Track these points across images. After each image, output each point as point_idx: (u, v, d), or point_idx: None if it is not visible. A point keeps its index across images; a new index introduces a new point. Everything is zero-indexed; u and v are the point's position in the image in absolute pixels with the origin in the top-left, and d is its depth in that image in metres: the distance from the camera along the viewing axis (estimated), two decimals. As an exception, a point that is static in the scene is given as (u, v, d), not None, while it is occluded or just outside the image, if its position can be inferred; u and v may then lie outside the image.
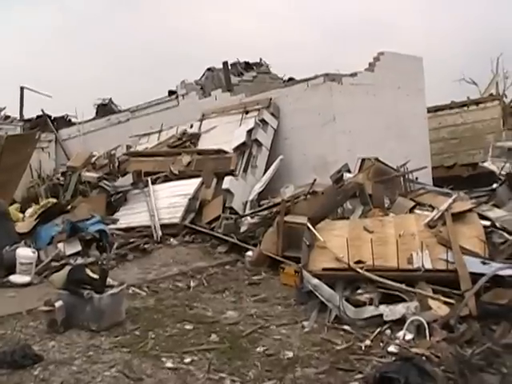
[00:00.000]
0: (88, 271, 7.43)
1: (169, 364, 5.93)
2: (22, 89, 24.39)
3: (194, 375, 5.65)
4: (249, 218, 11.95)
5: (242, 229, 11.59)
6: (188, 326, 7.06)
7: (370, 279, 7.50)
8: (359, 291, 7.49)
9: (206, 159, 14.54)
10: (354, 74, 14.82)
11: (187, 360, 6.02)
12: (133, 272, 9.72)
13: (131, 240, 11.35)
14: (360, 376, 5.48)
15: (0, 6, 49.31)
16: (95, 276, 7.32)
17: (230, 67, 18.85)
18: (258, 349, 6.29)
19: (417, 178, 12.67)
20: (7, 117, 24.01)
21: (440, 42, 38.53)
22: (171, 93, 19.29)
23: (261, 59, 21.76)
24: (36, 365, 5.98)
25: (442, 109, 20.46)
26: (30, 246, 10.12)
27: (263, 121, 14.56)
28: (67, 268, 7.87)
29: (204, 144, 15.81)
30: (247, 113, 15.22)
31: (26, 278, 9.28)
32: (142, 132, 18.80)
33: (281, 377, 5.54)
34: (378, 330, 6.64)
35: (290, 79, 19.54)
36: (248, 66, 21.00)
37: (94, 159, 17.71)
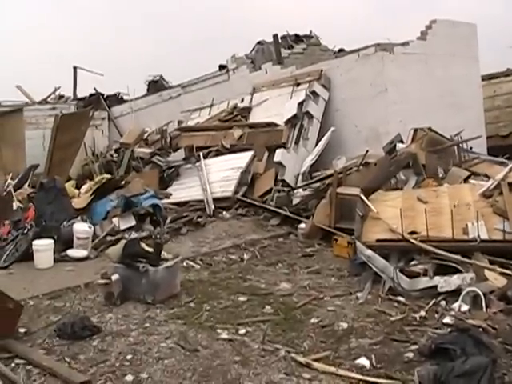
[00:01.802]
0: (143, 245, 7.54)
1: (224, 335, 5.99)
2: (74, 68, 24.69)
3: (249, 346, 5.69)
4: (301, 190, 11.89)
5: (295, 201, 11.55)
6: (242, 298, 7.11)
7: (424, 250, 7.42)
8: (413, 262, 7.42)
9: (258, 132, 14.50)
10: (405, 44, 14.46)
11: (242, 331, 6.07)
12: (187, 245, 9.82)
13: (184, 214, 11.44)
14: (415, 347, 5.44)
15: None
16: (150, 249, 7.42)
17: (280, 40, 18.65)
18: (312, 320, 6.31)
19: (471, 148, 12.39)
20: (61, 96, 24.39)
21: (494, 7, 37.18)
22: (222, 67, 19.24)
23: (311, 31, 21.43)
24: (94, 336, 6.14)
25: (497, 76, 19.74)
26: (86, 221, 10.33)
27: (314, 93, 14.39)
28: (122, 242, 8.00)
29: (255, 117, 15.74)
30: (298, 85, 15.06)
31: (83, 253, 9.49)
32: (193, 107, 18.82)
33: (335, 347, 5.54)
34: (433, 301, 6.58)
35: (341, 50, 19.19)
36: (298, 39, 20.70)
37: (146, 135, 17.86)
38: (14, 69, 34.20)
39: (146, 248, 7.46)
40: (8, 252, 9.66)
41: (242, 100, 16.76)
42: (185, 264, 8.44)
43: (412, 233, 7.71)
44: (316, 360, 5.26)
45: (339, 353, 5.43)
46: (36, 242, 9.32)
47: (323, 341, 5.73)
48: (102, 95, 23.63)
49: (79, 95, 24.43)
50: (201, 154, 14.27)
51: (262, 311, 6.65)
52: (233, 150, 14.30)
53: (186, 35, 42.33)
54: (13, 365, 5.58)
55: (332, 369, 5.07)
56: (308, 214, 10.83)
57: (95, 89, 23.85)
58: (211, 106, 18.06)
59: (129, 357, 5.61)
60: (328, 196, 10.19)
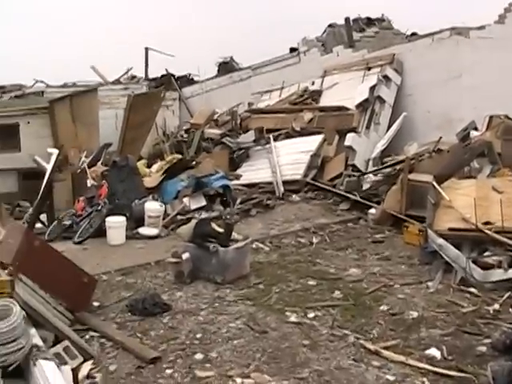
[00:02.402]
0: (213, 225, 7.58)
1: (292, 318, 5.99)
2: (146, 49, 25.07)
3: (318, 330, 5.68)
4: (371, 175, 11.73)
5: (365, 186, 11.39)
6: (311, 282, 7.08)
7: (498, 241, 7.19)
8: (487, 253, 7.21)
9: (328, 116, 14.36)
10: (481, 27, 13.97)
11: (311, 315, 6.06)
12: (256, 227, 9.84)
13: (254, 196, 11.48)
14: (488, 341, 5.29)
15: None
16: (220, 230, 7.45)
17: (351, 23, 18.39)
18: (381, 307, 6.23)
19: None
20: (133, 77, 24.80)
21: None
22: (292, 50, 19.14)
23: (382, 15, 21.08)
24: (165, 313, 6.27)
25: None
26: (157, 200, 10.50)
27: (386, 77, 14.15)
28: (193, 222, 8.08)
29: (326, 101, 15.60)
30: (369, 69, 14.82)
31: (154, 231, 9.65)
32: (263, 89, 18.81)
33: (405, 336, 5.47)
34: (508, 294, 6.38)
35: (413, 34, 18.77)
36: (370, 22, 20.39)
37: (216, 116, 17.93)
38: (88, 50, 35.05)
39: (217, 228, 7.50)
40: (82, 228, 9.94)
41: (313, 83, 16.62)
42: (254, 246, 8.45)
43: (486, 223, 7.48)
44: (385, 348, 5.21)
45: (409, 342, 5.35)
46: (109, 219, 9.54)
47: (393, 329, 5.66)
48: (173, 76, 23.89)
49: (151, 76, 24.80)
50: (271, 136, 14.25)
51: (331, 296, 6.61)
52: (303, 133, 14.20)
53: (256, 17, 42.27)
54: (87, 337, 5.77)
55: (401, 358, 5.01)
56: (378, 199, 10.67)
57: (166, 70, 24.15)
58: (281, 88, 17.99)
59: (198, 335, 5.69)
60: (399, 182, 10.01)
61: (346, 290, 6.75)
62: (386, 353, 5.11)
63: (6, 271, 6.24)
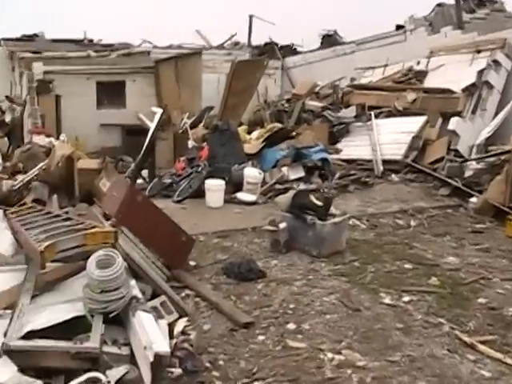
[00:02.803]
0: (312, 197, 7.54)
1: (387, 300, 5.91)
2: (250, 17, 25.12)
3: (412, 315, 5.57)
4: (474, 162, 11.33)
5: (467, 173, 11.01)
6: (407, 265, 6.95)
7: None
8: None
9: (432, 98, 13.96)
10: None
11: (405, 299, 5.95)
12: (353, 204, 9.73)
13: (352, 172, 11.37)
14: None
15: None
16: (319, 203, 7.41)
17: (461, 3, 17.70)
18: (479, 300, 6.02)
19: None
20: (237, 43, 24.95)
21: None
22: (399, 27, 18.70)
23: (495, -4, 20.17)
24: (259, 280, 6.32)
25: None
26: (256, 167, 10.56)
27: (496, 62, 13.56)
28: (292, 192, 8.08)
29: (430, 82, 15.14)
30: (479, 52, 14.23)
31: (252, 197, 9.72)
32: (366, 65, 18.49)
33: (503, 333, 5.26)
34: None
35: (527, 17, 17.93)
36: (481, 3, 19.53)
37: (317, 89, 17.78)
38: (193, 14, 35.40)
39: (315, 201, 7.45)
40: (182, 187, 10.15)
41: (418, 63, 16.19)
42: (351, 222, 8.34)
43: None
44: (481, 342, 5.03)
45: (507, 340, 5.14)
46: (208, 182, 9.69)
47: (490, 324, 5.46)
48: (276, 45, 23.84)
49: (253, 43, 24.84)
50: (372, 113, 14.02)
51: (427, 282, 6.45)
52: (405, 113, 13.90)
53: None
54: (183, 294, 5.91)
55: (498, 355, 4.82)
56: (480, 188, 10.29)
57: (270, 38, 24.14)
58: (385, 65, 17.63)
59: (291, 306, 5.71)
60: (504, 173, 9.63)
61: (442, 278, 6.57)
62: (482, 347, 4.93)
63: (109, 222, 6.47)
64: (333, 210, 7.53)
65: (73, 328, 4.41)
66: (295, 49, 24.75)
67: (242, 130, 13.54)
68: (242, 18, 25.47)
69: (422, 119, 13.12)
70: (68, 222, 5.94)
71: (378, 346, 4.95)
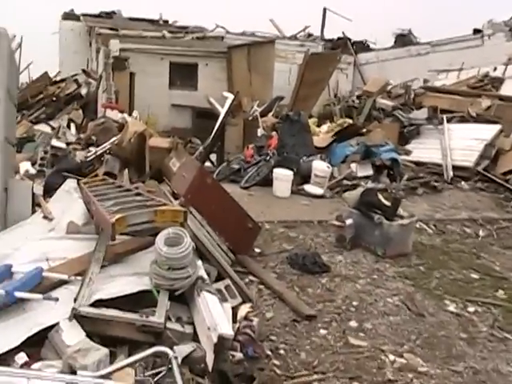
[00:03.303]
0: (380, 197, 7.45)
1: (451, 308, 5.80)
2: (324, 10, 24.98)
3: (477, 327, 5.45)
4: (549, 176, 10.99)
5: (542, 187, 10.69)
6: (474, 275, 6.79)
7: None
8: None
9: (508, 106, 13.60)
10: None
11: (470, 309, 5.82)
12: (421, 207, 9.54)
13: (421, 175, 11.16)
14: None
15: None
16: (387, 203, 7.31)
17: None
18: (548, 318, 5.83)
19: None
20: (310, 35, 24.85)
21: None
22: (476, 31, 18.29)
23: None
24: (323, 274, 6.29)
25: None
26: (324, 161, 10.49)
27: None
28: (360, 189, 8.00)
29: (507, 90, 14.81)
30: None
31: (320, 190, 9.67)
32: (440, 67, 18.19)
33: None
34: None
35: None
36: None
37: (389, 87, 17.57)
38: (268, 2, 35.43)
39: (383, 201, 7.36)
40: (250, 174, 10.18)
41: (495, 69, 15.88)
42: (418, 225, 8.19)
43: None
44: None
45: None
46: (277, 171, 9.68)
47: (560, 343, 5.28)
48: (350, 40, 23.67)
49: (326, 36, 24.71)
50: (444, 117, 13.73)
51: (493, 294, 6.28)
52: (479, 119, 13.58)
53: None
54: (247, 280, 5.93)
55: None
56: (555, 203, 9.98)
57: (343, 33, 24.01)
58: (460, 69, 17.36)
59: (355, 303, 5.67)
60: None
61: (510, 292, 6.38)
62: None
63: (178, 201, 6.53)
64: (400, 211, 7.41)
65: (138, 301, 4.47)
66: (368, 45, 24.55)
67: (311, 122, 13.48)
68: (315, 11, 25.25)
69: (496, 127, 12.78)
70: (139, 197, 6.03)
71: (440, 353, 4.88)
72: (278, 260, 6.59)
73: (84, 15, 22.16)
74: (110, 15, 22.72)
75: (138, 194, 6.23)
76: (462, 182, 11.29)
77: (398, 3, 39.55)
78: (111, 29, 19.05)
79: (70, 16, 22.93)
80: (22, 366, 3.58)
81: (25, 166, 9.22)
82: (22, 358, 3.68)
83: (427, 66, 18.84)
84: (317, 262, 6.43)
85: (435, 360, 4.76)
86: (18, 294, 4.14)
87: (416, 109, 14.98)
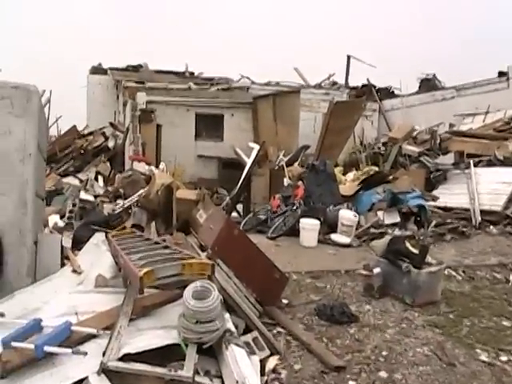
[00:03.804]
0: (408, 244, 7.42)
1: (483, 357, 5.67)
2: (348, 57, 25.25)
3: (510, 376, 5.32)
4: None
5: None
6: (505, 323, 6.65)
7: None
8: None
9: (537, 150, 13.55)
10: None
11: (503, 358, 5.68)
12: (449, 253, 9.46)
13: (448, 220, 11.08)
14: None
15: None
16: (415, 250, 7.28)
17: None
18: None
19: None
20: (334, 83, 25.11)
21: None
22: (501, 74, 18.33)
23: None
24: (352, 324, 6.23)
25: None
26: (351, 209, 10.50)
27: None
28: (387, 237, 7.97)
29: (535, 133, 14.74)
30: None
31: (346, 239, 9.66)
32: (466, 111, 18.21)
33: None
34: None
35: None
36: None
37: (415, 133, 17.61)
38: (292, 51, 36.08)
39: (411, 248, 7.33)
40: (276, 224, 10.23)
41: (523, 112, 15.82)
42: (446, 272, 8.12)
43: None
44: None
45: None
46: (303, 220, 9.70)
47: None
48: (374, 87, 23.86)
49: (350, 84, 24.95)
50: (471, 161, 13.70)
51: (527, 342, 6.17)
52: (506, 162, 13.53)
53: (462, 34, 40.91)
54: (275, 332, 5.90)
55: None
56: None
57: (368, 80, 24.21)
58: (486, 113, 17.35)
59: (384, 353, 5.60)
60: None
61: (545, 341, 6.27)
62: None
63: (205, 253, 6.58)
64: (429, 258, 7.35)
65: (167, 355, 4.50)
66: (393, 92, 24.69)
67: (337, 170, 13.55)
68: (340, 58, 25.59)
69: (524, 170, 12.70)
70: (167, 250, 6.10)
71: (473, 403, 4.78)
72: (305, 311, 6.56)
73: (111, 69, 22.79)
74: (136, 68, 23.30)
75: (166, 247, 6.31)
76: (491, 227, 11.18)
77: (422, 48, 39.91)
78: (138, 82, 19.52)
79: (97, 70, 23.65)
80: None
81: (54, 219, 9.42)
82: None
83: (453, 110, 18.88)
84: (345, 312, 6.39)
85: (467, 411, 4.68)
86: (48, 349, 4.20)
87: (442, 154, 15.00)
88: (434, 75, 23.81)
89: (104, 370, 4.10)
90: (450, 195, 12.75)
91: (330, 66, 31.75)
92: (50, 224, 9.16)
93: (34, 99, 6.40)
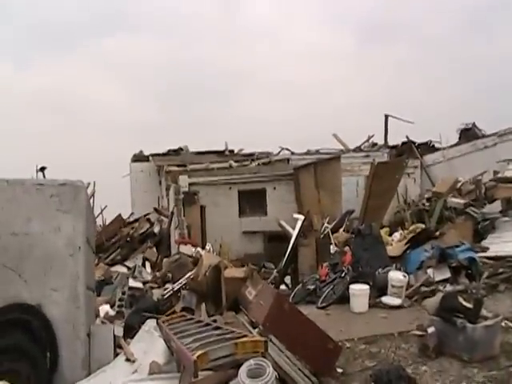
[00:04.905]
0: (461, 299, 7.30)
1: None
2: (386, 117, 25.33)
3: None
4: None
5: None
6: None
7: None
8: None
9: None
10: None
11: None
12: (504, 304, 9.17)
13: (500, 270, 10.76)
14: None
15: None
16: (468, 305, 7.15)
17: None
18: None
19: None
20: (374, 144, 25.17)
21: None
22: (543, 116, 18.17)
23: None
24: (409, 387, 6.10)
25: None
26: (400, 270, 10.36)
27: None
28: (440, 295, 7.88)
29: None
30: None
31: (397, 301, 9.51)
32: (509, 157, 17.96)
33: None
34: None
35: None
36: None
37: (459, 185, 17.42)
38: (328, 118, 36.51)
39: (464, 303, 7.21)
40: (326, 293, 10.15)
41: None
42: (503, 324, 7.88)
43: None
44: None
45: None
46: (353, 287, 9.63)
47: None
48: (414, 143, 23.79)
49: (390, 143, 24.95)
50: (519, 207, 13.47)
51: None
52: (554, 209, 13.24)
53: (497, 78, 40.82)
54: (331, 403, 5.83)
55: None
56: None
57: (407, 137, 24.16)
58: (530, 156, 17.09)
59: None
60: None
61: None
62: None
63: (256, 330, 6.61)
64: (483, 311, 7.21)
65: None
66: (433, 145, 24.55)
67: (383, 232, 13.46)
68: (377, 119, 25.66)
69: None
70: (218, 331, 6.16)
71: None
72: (361, 378, 6.47)
73: (153, 155, 23.37)
74: (177, 152, 23.79)
75: (217, 328, 6.36)
76: (545, 276, 10.82)
77: (458, 98, 39.91)
78: (179, 165, 19.95)
79: (139, 158, 24.28)
80: None
81: (104, 309, 9.58)
82: None
83: (496, 157, 18.62)
84: (401, 375, 6.24)
85: None
86: None
87: (489, 203, 14.79)
88: (474, 124, 23.64)
89: None
90: (501, 244, 12.42)
91: (368, 127, 32.05)
92: (101, 314, 9.31)
93: (81, 194, 6.72)
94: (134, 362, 6.41)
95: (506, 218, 13.34)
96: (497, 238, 12.81)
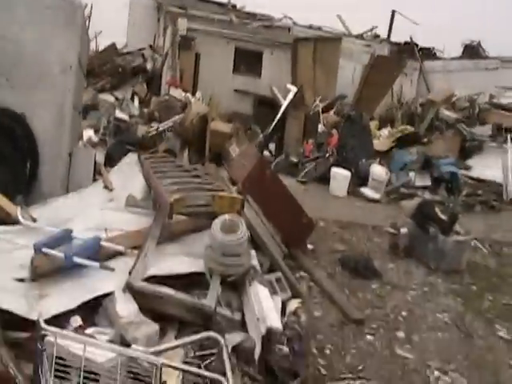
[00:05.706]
0: (437, 210, 7.31)
1: (502, 333, 5.66)
2: (393, 12, 24.60)
3: (528, 355, 5.30)
4: None
5: None
6: (528, 303, 6.61)
7: None
8: None
9: None
10: None
11: (523, 336, 5.67)
12: (478, 225, 9.20)
13: (479, 192, 10.86)
14: None
15: None
16: (443, 217, 7.17)
17: None
18: None
19: None
20: (376, 36, 24.53)
21: None
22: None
23: None
24: (374, 280, 6.20)
25: None
26: (383, 166, 10.35)
27: None
28: (418, 200, 7.91)
29: None
30: None
31: (376, 195, 9.57)
32: (508, 84, 17.74)
33: None
34: None
35: None
36: None
37: (454, 99, 17.20)
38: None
39: (440, 214, 7.23)
40: (307, 169, 10.12)
41: None
42: (472, 244, 7.99)
43: None
44: None
45: None
46: (335, 170, 9.61)
47: None
48: (417, 45, 23.25)
49: (393, 39, 24.36)
50: (509, 136, 13.37)
51: (549, 323, 6.11)
52: (545, 141, 13.19)
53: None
54: (297, 275, 5.89)
55: None
56: None
57: (411, 38, 23.53)
58: (529, 87, 16.92)
59: (404, 313, 5.62)
60: None
61: None
62: None
63: (235, 188, 6.51)
64: (457, 227, 7.26)
65: (189, 282, 4.47)
66: (435, 53, 24.05)
67: (373, 125, 13.32)
68: (384, 12, 24.84)
69: None
70: (198, 180, 6.02)
71: (487, 377, 4.78)
72: (330, 259, 6.55)
73: (150, -9, 22.29)
74: (179, -6, 22.78)
75: (197, 176, 6.23)
76: (521, 203, 10.98)
77: (467, 14, 38.78)
78: (180, 7, 19.11)
79: (141, -11, 23.11)
80: (75, 329, 3.61)
81: (88, 134, 9.34)
82: (76, 321, 3.73)
83: (495, 81, 18.36)
84: (369, 267, 6.38)
85: (481, 383, 4.66)
86: (77, 260, 4.18)
87: (480, 124, 14.68)
88: (479, 43, 23.19)
89: (129, 289, 4.07)
90: (484, 167, 12.47)
91: (373, 18, 31.00)
92: (84, 138, 9.09)
93: (78, 14, 6.32)
94: (111, 190, 6.30)
95: (494, 144, 13.31)
96: (481, 161, 12.84)
